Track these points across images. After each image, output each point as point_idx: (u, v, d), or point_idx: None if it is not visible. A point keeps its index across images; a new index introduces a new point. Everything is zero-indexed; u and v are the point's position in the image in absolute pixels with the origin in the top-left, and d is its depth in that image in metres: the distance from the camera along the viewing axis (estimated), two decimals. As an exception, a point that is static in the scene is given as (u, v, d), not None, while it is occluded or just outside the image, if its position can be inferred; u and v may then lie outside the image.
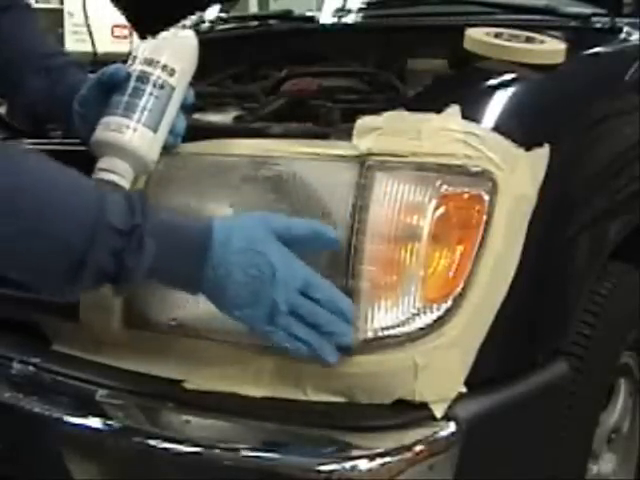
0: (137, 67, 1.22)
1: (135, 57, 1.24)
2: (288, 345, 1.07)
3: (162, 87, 1.21)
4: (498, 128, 1.18)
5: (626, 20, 1.63)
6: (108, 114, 1.20)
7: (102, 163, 1.18)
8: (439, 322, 1.11)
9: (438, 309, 1.11)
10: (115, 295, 1.09)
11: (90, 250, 0.98)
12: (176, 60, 1.23)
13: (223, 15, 2.33)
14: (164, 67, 1.22)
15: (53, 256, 0.99)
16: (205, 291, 1.07)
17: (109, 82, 1.22)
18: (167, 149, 1.24)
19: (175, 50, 1.25)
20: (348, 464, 1.04)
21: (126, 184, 1.18)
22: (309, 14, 2.20)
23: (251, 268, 1.04)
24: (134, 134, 1.18)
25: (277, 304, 1.04)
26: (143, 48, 1.25)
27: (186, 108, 1.28)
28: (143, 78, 1.21)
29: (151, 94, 1.20)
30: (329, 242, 1.09)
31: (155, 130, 1.19)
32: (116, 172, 1.17)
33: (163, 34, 1.30)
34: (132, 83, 1.20)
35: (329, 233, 1.09)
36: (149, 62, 1.22)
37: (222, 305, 1.08)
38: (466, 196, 1.13)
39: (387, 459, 1.05)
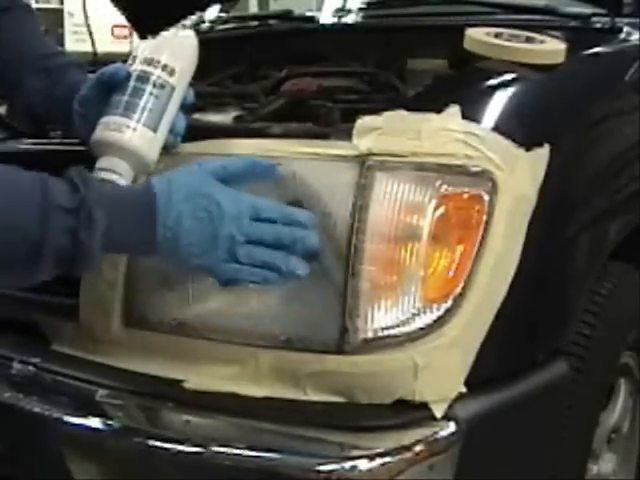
0: (137, 67, 1.22)
1: (135, 57, 1.24)
2: (256, 279, 1.06)
3: (162, 87, 1.21)
4: (498, 128, 1.18)
5: (626, 20, 1.63)
6: (108, 114, 1.19)
7: (102, 162, 1.18)
8: (439, 322, 1.11)
9: (438, 309, 1.11)
10: (74, 275, 1.06)
11: (45, 233, 0.97)
12: (176, 60, 1.23)
13: (223, 15, 2.33)
14: (164, 67, 1.22)
15: (8, 247, 0.98)
16: (160, 250, 1.05)
17: (109, 82, 1.22)
18: (167, 149, 1.24)
19: (175, 50, 1.25)
20: (348, 464, 1.04)
21: (126, 184, 1.18)
22: (309, 14, 2.20)
23: (199, 211, 1.04)
24: (134, 134, 1.18)
25: (233, 237, 1.03)
26: (143, 48, 1.25)
27: (186, 108, 1.28)
28: (143, 78, 1.21)
29: (151, 94, 1.20)
30: (265, 170, 1.10)
31: (155, 130, 1.19)
32: (116, 172, 1.17)
33: (163, 34, 1.30)
34: (132, 83, 1.20)
35: (263, 162, 1.11)
36: (149, 62, 1.22)
37: (180, 259, 1.05)
38: (466, 196, 1.13)
39: (387, 459, 1.05)
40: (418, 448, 1.07)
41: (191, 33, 1.31)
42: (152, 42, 1.26)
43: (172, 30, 1.75)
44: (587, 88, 1.43)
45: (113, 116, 1.19)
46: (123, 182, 1.17)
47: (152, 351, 1.21)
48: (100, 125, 1.19)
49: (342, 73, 1.60)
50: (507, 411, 1.19)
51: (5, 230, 0.97)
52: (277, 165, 1.11)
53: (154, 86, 1.20)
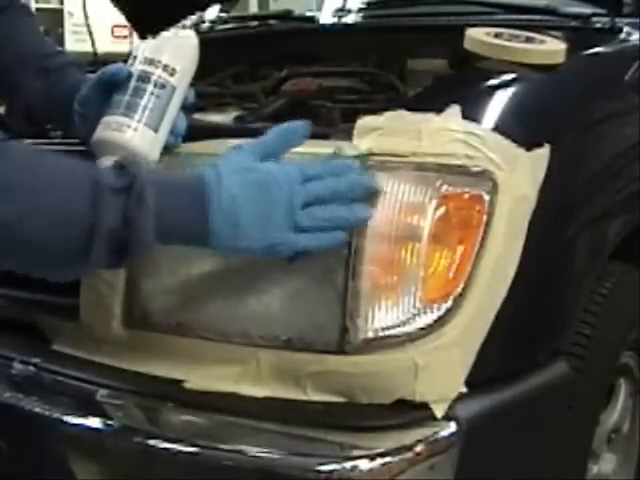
0: (138, 67, 1.22)
1: (136, 57, 1.24)
2: (325, 242, 1.05)
3: (163, 87, 1.21)
4: (498, 128, 1.18)
5: (626, 20, 1.63)
6: (109, 114, 1.20)
7: (103, 162, 1.18)
8: (439, 322, 1.11)
9: (438, 309, 1.11)
10: (120, 265, 1.03)
11: (97, 215, 0.95)
12: (177, 60, 1.23)
13: (223, 15, 2.33)
14: (165, 67, 1.22)
15: (60, 230, 0.96)
16: (219, 237, 1.02)
17: (110, 81, 1.22)
18: (168, 149, 1.24)
19: (176, 50, 1.25)
20: (348, 464, 1.04)
21: None
22: (309, 14, 2.20)
23: (250, 186, 1.03)
24: (135, 133, 1.18)
25: (291, 204, 1.03)
26: (144, 48, 1.25)
27: (187, 108, 1.28)
28: (144, 78, 1.21)
29: (152, 94, 1.20)
30: (300, 131, 1.10)
31: (156, 130, 1.19)
32: None
33: (164, 34, 1.30)
34: (133, 83, 1.20)
35: (295, 124, 1.10)
36: (150, 62, 1.22)
37: (241, 243, 1.03)
38: (466, 196, 1.13)
39: (387, 459, 1.05)
40: (419, 448, 1.07)
41: (192, 33, 1.31)
42: (153, 42, 1.26)
43: (173, 30, 1.75)
44: (587, 88, 1.43)
45: (114, 116, 1.19)
46: None
47: (152, 351, 1.21)
48: (101, 125, 1.19)
49: (342, 73, 1.60)
50: (507, 411, 1.19)
51: (58, 216, 0.96)
52: (306, 126, 1.10)
53: (155, 86, 1.20)
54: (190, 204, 1.01)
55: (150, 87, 1.20)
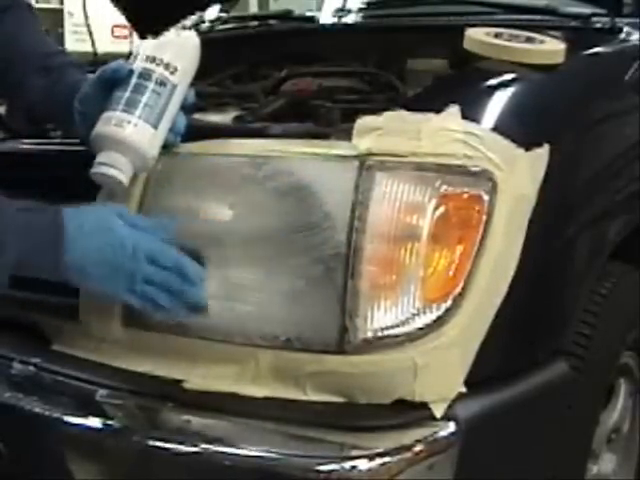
0: (140, 64, 1.23)
1: (137, 55, 1.24)
2: (148, 308, 1.15)
3: (164, 84, 1.21)
4: (498, 128, 1.18)
5: (626, 20, 1.63)
6: (109, 109, 1.20)
7: (102, 157, 1.18)
8: (439, 322, 1.11)
9: (438, 309, 1.11)
10: None
11: None
12: (178, 59, 1.24)
13: (223, 15, 2.33)
14: (166, 65, 1.22)
15: None
16: (67, 275, 1.12)
17: (111, 79, 1.23)
18: (167, 148, 1.24)
19: (177, 49, 1.26)
20: (348, 464, 1.04)
21: (125, 179, 1.18)
22: (309, 14, 2.20)
23: (104, 246, 1.12)
24: (135, 129, 1.18)
25: (133, 275, 1.12)
26: (145, 46, 1.26)
27: (187, 108, 1.28)
28: (145, 75, 1.21)
29: (153, 91, 1.21)
30: (167, 226, 1.17)
31: (156, 126, 1.20)
32: (115, 166, 1.17)
33: (166, 34, 1.30)
34: (134, 80, 1.21)
35: (165, 219, 1.19)
36: (152, 60, 1.23)
37: (84, 284, 1.16)
38: (466, 196, 1.13)
39: (387, 459, 1.05)
40: (418, 448, 1.07)
41: (193, 34, 1.32)
42: (155, 41, 1.27)
43: (174, 31, 1.75)
44: (587, 88, 1.42)
45: (114, 112, 1.19)
46: (123, 177, 1.18)
47: (152, 351, 1.21)
48: (101, 120, 1.20)
49: (342, 73, 1.60)
50: (507, 411, 1.19)
51: None
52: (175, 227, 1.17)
53: (156, 83, 1.21)
54: (46, 249, 1.11)
55: (151, 84, 1.21)
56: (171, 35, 1.32)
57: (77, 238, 1.11)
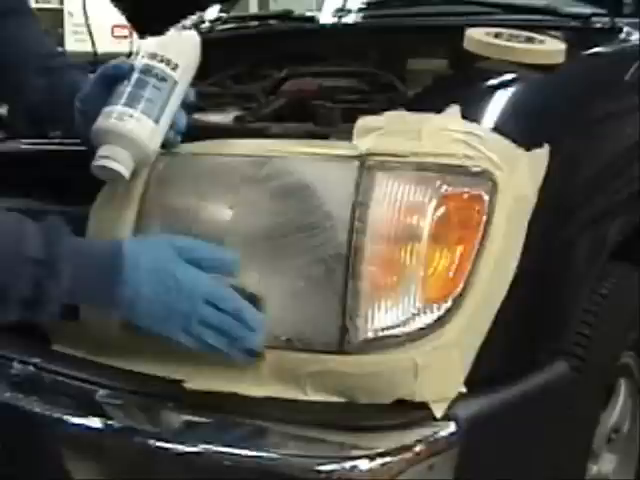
0: (141, 60, 1.24)
1: (139, 52, 1.25)
2: (203, 349, 1.12)
3: (165, 80, 1.22)
4: (498, 128, 1.18)
5: (626, 20, 1.63)
6: (110, 104, 1.21)
7: (103, 151, 1.19)
8: (439, 322, 1.11)
9: (438, 309, 1.11)
10: (33, 321, 1.13)
11: (12, 280, 1.04)
12: (179, 56, 1.25)
13: (223, 15, 2.33)
14: (168, 62, 1.23)
15: None
16: (120, 308, 1.11)
17: (113, 75, 1.24)
18: (168, 145, 1.25)
19: (179, 47, 1.27)
20: (348, 464, 1.04)
21: (126, 172, 1.19)
22: (309, 14, 2.20)
23: (159, 286, 1.10)
24: (136, 123, 1.19)
25: (188, 316, 1.10)
26: (147, 44, 1.27)
27: (188, 106, 1.29)
28: (147, 70, 1.23)
29: (154, 86, 1.22)
30: (228, 264, 1.13)
31: (157, 121, 1.21)
32: (117, 160, 1.18)
33: (167, 33, 1.32)
34: (136, 75, 1.22)
35: (228, 255, 1.14)
36: (153, 56, 1.24)
37: (138, 320, 1.12)
38: (466, 196, 1.13)
39: (387, 459, 1.05)
40: (418, 448, 1.07)
41: (194, 33, 1.33)
42: (156, 39, 1.29)
43: (174, 31, 1.75)
44: (587, 88, 1.43)
45: (116, 106, 1.20)
46: (123, 170, 1.18)
47: (152, 351, 1.20)
48: (102, 114, 1.21)
49: (342, 73, 1.60)
50: (507, 411, 1.19)
51: None
52: (236, 262, 1.14)
53: (157, 79, 1.22)
54: (102, 281, 1.09)
55: (152, 80, 1.22)
56: (173, 34, 1.33)
57: (133, 273, 1.09)
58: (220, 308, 1.10)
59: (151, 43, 1.27)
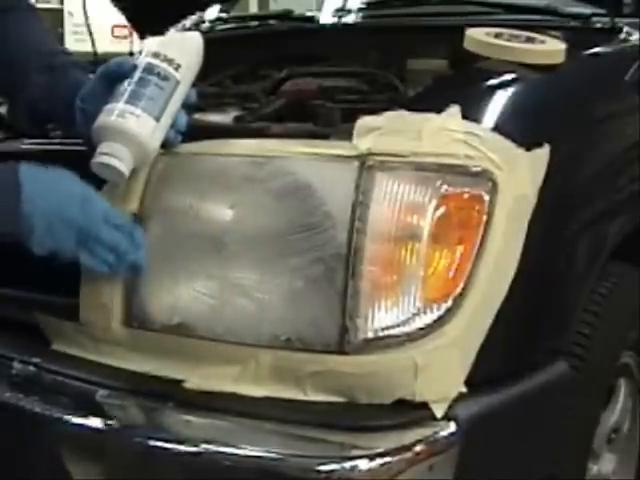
0: (144, 59, 1.24)
1: (141, 51, 1.26)
2: (92, 264, 1.19)
3: (167, 79, 1.23)
4: (498, 128, 1.18)
5: (626, 20, 1.63)
6: (112, 101, 1.21)
7: (103, 147, 1.19)
8: (439, 322, 1.11)
9: (438, 309, 1.11)
10: None
11: None
12: (182, 56, 1.26)
13: (223, 15, 2.33)
14: (170, 61, 1.24)
15: None
16: (20, 226, 1.14)
17: (115, 72, 1.25)
18: (168, 145, 1.25)
19: (182, 47, 1.28)
20: (348, 464, 1.04)
21: (126, 170, 1.19)
22: (309, 14, 2.20)
23: (58, 201, 1.15)
24: (137, 121, 1.20)
25: (86, 231, 1.16)
26: (150, 43, 1.28)
27: (189, 107, 1.29)
28: (149, 69, 1.23)
29: (156, 85, 1.22)
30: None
31: (158, 119, 1.21)
32: (116, 157, 1.18)
33: (168, 33, 1.32)
34: (138, 73, 1.23)
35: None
36: (156, 55, 1.24)
37: (33, 236, 1.15)
38: (466, 196, 1.13)
39: (387, 459, 1.05)
40: (418, 448, 1.07)
41: (197, 34, 1.33)
42: (160, 38, 1.31)
43: (174, 30, 1.75)
44: (587, 88, 1.43)
45: (117, 103, 1.21)
46: (123, 168, 1.18)
47: (152, 351, 1.21)
48: (104, 112, 1.21)
49: (342, 73, 1.60)
50: (507, 411, 1.19)
51: None
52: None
53: (159, 77, 1.23)
54: (4, 207, 1.14)
55: (155, 78, 1.22)
56: (176, 34, 1.34)
57: (32, 192, 1.14)
58: (115, 225, 1.17)
59: (154, 42, 1.28)
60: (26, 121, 1.48)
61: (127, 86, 1.22)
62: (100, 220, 1.17)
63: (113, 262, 1.18)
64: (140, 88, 1.21)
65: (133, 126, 1.19)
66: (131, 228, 1.19)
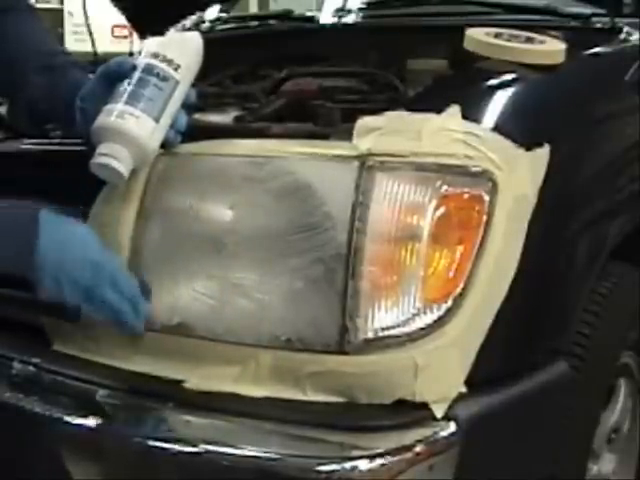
0: (144, 59, 1.24)
1: (141, 52, 1.26)
2: (95, 316, 1.20)
3: (166, 79, 1.23)
4: (498, 128, 1.18)
5: (626, 20, 1.63)
6: (112, 102, 1.21)
7: (102, 148, 1.19)
8: (439, 322, 1.11)
9: (438, 309, 1.11)
10: None
11: None
12: (182, 56, 1.26)
13: (223, 15, 2.33)
14: (170, 62, 1.24)
15: None
16: (32, 272, 1.14)
17: (114, 72, 1.24)
18: (168, 145, 1.25)
19: (181, 47, 1.28)
20: (348, 464, 1.04)
21: (125, 170, 1.19)
22: (309, 14, 2.20)
23: (69, 256, 1.15)
24: (136, 121, 1.20)
25: (91, 291, 1.16)
26: (150, 44, 1.28)
27: (188, 107, 1.29)
28: (149, 70, 1.23)
29: (155, 85, 1.22)
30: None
31: (157, 120, 1.21)
32: (116, 157, 1.18)
33: (168, 33, 1.32)
34: (138, 74, 1.23)
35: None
36: (155, 55, 1.24)
37: (41, 286, 1.16)
38: (466, 196, 1.13)
39: (387, 459, 1.05)
40: (418, 448, 1.07)
41: (197, 34, 1.33)
42: (159, 39, 1.30)
43: (174, 30, 1.75)
44: (587, 88, 1.43)
45: (117, 104, 1.21)
46: (122, 169, 1.18)
47: (152, 351, 1.20)
48: (103, 113, 1.21)
49: (342, 73, 1.60)
50: (507, 411, 1.19)
51: None
52: None
53: (159, 78, 1.23)
54: (18, 244, 1.14)
55: (154, 79, 1.22)
56: (176, 34, 1.34)
57: (47, 248, 1.14)
58: (121, 292, 1.17)
59: (154, 43, 1.27)
60: (26, 121, 1.48)
61: (126, 86, 1.22)
62: (107, 284, 1.16)
63: (115, 323, 1.19)
64: (139, 89, 1.21)
65: (132, 127, 1.19)
66: (136, 298, 1.19)
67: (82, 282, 1.15)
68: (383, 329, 1.11)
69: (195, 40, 1.31)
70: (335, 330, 1.11)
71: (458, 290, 1.11)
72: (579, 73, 1.43)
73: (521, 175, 1.17)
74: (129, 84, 1.22)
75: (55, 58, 1.38)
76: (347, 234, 1.11)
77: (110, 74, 1.25)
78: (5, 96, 1.54)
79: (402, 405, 1.10)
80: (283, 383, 1.13)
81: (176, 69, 1.24)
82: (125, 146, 1.18)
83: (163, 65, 1.23)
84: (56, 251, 1.14)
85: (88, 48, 1.99)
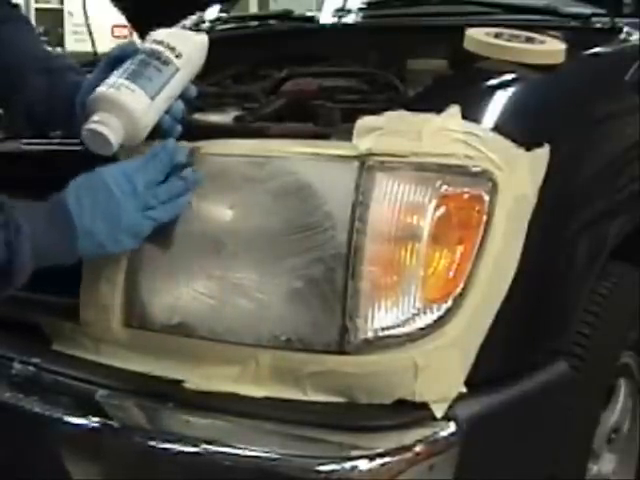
0: (147, 45, 1.27)
1: (145, 41, 1.29)
2: (173, 212, 1.19)
3: (167, 64, 1.25)
4: (498, 128, 1.18)
5: (626, 20, 1.63)
6: (112, 77, 1.23)
7: (96, 116, 1.20)
8: (439, 322, 1.11)
9: (438, 309, 1.11)
10: (8, 289, 1.14)
11: None
12: (184, 46, 1.28)
13: (223, 15, 2.33)
14: (172, 49, 1.26)
15: None
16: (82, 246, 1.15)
17: (118, 56, 1.26)
18: (168, 134, 1.25)
19: (185, 39, 1.30)
20: (348, 464, 1.04)
21: (114, 140, 1.19)
22: (309, 14, 2.20)
23: (101, 206, 1.15)
24: (131, 94, 1.21)
25: (135, 190, 1.16)
26: (155, 33, 1.30)
27: (188, 101, 1.29)
28: (151, 53, 1.25)
29: (155, 67, 1.24)
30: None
31: (152, 98, 1.23)
32: (107, 125, 1.19)
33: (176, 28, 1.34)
34: (140, 55, 1.25)
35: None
36: (159, 42, 1.27)
37: (98, 247, 1.16)
38: (466, 196, 1.13)
39: (387, 459, 1.05)
40: (418, 448, 1.07)
41: (205, 35, 1.36)
42: (166, 30, 1.32)
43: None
44: (587, 88, 1.43)
45: (115, 77, 1.23)
46: (112, 137, 1.19)
47: (152, 351, 1.21)
48: (102, 85, 1.23)
49: (342, 73, 1.60)
50: (507, 411, 1.19)
51: None
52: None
53: (160, 61, 1.25)
54: (57, 229, 1.14)
55: (155, 62, 1.25)
56: (182, 30, 1.35)
57: (81, 214, 1.14)
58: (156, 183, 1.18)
59: (159, 33, 1.30)
60: (23, 123, 1.48)
61: (127, 66, 1.24)
62: (135, 173, 1.17)
63: (181, 184, 1.19)
64: (140, 68, 1.24)
65: (127, 99, 1.21)
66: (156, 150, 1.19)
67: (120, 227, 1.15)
68: (383, 329, 1.11)
69: (201, 37, 1.33)
70: (335, 330, 1.11)
71: (458, 290, 1.11)
72: (579, 73, 1.43)
73: (521, 175, 1.17)
74: (130, 64, 1.24)
75: (52, 61, 1.40)
76: (347, 234, 1.11)
77: (114, 57, 1.28)
78: (3, 98, 1.54)
79: (402, 405, 1.10)
80: (283, 383, 1.13)
81: (178, 57, 1.26)
82: (117, 116, 1.20)
83: (166, 52, 1.26)
84: (92, 220, 1.15)
85: (88, 48, 1.99)
